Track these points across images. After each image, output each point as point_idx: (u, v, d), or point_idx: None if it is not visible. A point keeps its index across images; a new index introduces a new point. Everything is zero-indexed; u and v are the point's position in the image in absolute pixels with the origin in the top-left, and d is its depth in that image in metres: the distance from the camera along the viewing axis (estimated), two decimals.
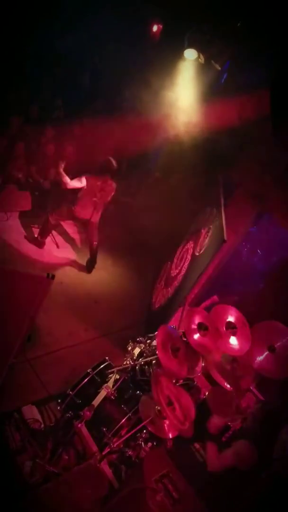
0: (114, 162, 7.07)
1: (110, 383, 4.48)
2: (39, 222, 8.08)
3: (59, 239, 8.19)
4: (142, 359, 4.60)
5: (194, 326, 4.36)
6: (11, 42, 8.75)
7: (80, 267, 7.84)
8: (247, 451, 3.46)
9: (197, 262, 6.22)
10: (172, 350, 4.21)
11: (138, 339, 5.02)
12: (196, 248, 6.54)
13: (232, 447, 3.70)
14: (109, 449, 3.93)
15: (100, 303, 7.23)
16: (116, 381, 4.49)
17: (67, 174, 6.85)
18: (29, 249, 7.62)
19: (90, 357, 5.11)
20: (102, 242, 8.35)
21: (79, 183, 6.96)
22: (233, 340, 4.40)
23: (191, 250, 6.79)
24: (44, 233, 7.71)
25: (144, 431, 4.04)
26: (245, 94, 6.78)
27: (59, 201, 8.15)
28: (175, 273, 7.10)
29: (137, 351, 4.84)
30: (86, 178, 6.98)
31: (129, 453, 4.01)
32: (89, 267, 7.81)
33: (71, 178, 6.90)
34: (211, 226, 6.28)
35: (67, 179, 6.83)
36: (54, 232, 8.06)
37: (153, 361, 4.52)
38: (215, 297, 6.15)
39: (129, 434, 3.96)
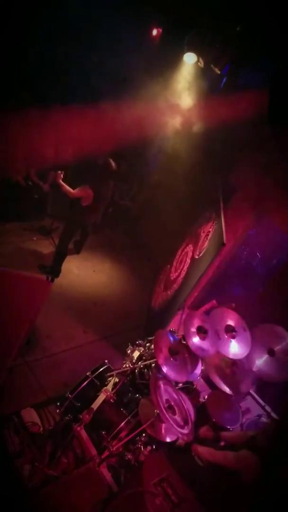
0: (113, 164, 7.09)
1: (109, 386, 4.46)
2: (39, 225, 8.11)
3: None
4: (141, 362, 4.59)
5: (193, 330, 4.36)
6: (10, 45, 8.77)
7: (79, 270, 7.84)
8: (250, 460, 3.43)
9: (197, 265, 6.22)
10: (171, 354, 4.21)
11: (137, 342, 5.01)
12: (195, 251, 6.55)
13: (235, 452, 3.68)
14: (108, 453, 3.91)
15: (99, 306, 7.23)
16: (115, 384, 4.48)
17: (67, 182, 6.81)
18: (28, 251, 7.63)
19: (89, 360, 5.10)
20: (101, 246, 8.38)
21: (84, 192, 6.88)
22: (233, 344, 4.41)
23: (191, 253, 6.80)
24: (60, 260, 7.40)
25: (144, 434, 4.03)
26: (244, 98, 6.81)
27: (59, 204, 8.17)
28: (174, 276, 7.10)
29: (136, 354, 4.83)
30: (90, 188, 6.89)
31: (128, 456, 3.99)
32: (79, 247, 8.03)
33: (73, 187, 6.85)
34: (210, 230, 6.29)
35: (69, 189, 6.79)
36: (53, 235, 8.07)
37: (153, 365, 4.52)
38: (214, 301, 6.16)
39: (129, 437, 3.95)
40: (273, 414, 4.64)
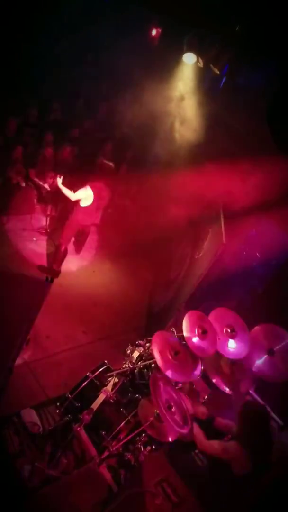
0: (111, 164, 7.09)
1: (109, 387, 4.46)
2: (39, 225, 8.10)
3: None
4: (141, 363, 4.58)
5: (193, 330, 4.36)
6: (11, 45, 8.78)
7: (79, 270, 7.84)
8: (236, 451, 3.45)
9: (196, 265, 6.23)
10: (171, 354, 4.20)
11: (137, 342, 5.01)
12: (195, 251, 6.55)
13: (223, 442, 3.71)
14: (108, 453, 3.91)
15: (99, 306, 7.22)
16: (115, 384, 4.48)
17: (67, 185, 6.78)
18: (28, 252, 7.62)
19: (89, 361, 5.11)
20: (101, 246, 8.37)
21: (84, 193, 6.83)
22: (232, 344, 4.41)
23: (190, 253, 6.80)
24: (60, 261, 7.37)
25: (143, 434, 4.03)
26: (244, 98, 6.82)
27: (58, 204, 8.18)
28: (174, 276, 7.11)
29: (136, 354, 4.82)
30: (90, 186, 6.83)
31: (128, 456, 3.99)
32: (78, 247, 8.00)
33: (73, 188, 6.80)
34: (210, 230, 6.29)
35: (69, 192, 6.72)
36: (53, 235, 8.07)
37: (152, 365, 4.51)
38: (214, 301, 6.16)
39: (128, 437, 3.96)
40: (273, 415, 4.63)
